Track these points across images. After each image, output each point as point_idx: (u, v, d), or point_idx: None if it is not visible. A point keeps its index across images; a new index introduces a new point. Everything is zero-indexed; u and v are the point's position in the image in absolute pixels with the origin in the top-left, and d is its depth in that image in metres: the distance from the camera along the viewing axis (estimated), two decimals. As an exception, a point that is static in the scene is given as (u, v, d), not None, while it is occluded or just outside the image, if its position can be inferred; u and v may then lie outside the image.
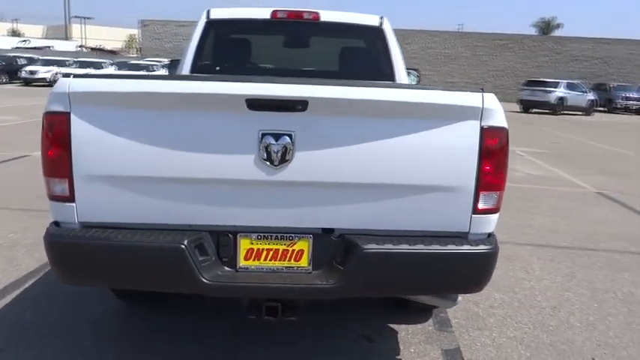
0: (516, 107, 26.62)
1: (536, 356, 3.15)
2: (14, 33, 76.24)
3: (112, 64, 30.39)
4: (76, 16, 79.03)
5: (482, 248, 2.37)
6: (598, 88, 32.00)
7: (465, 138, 2.31)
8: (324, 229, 2.38)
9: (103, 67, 28.91)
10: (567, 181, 8.86)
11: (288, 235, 2.38)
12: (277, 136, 2.23)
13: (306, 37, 4.65)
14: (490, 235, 2.46)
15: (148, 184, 2.29)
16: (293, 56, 5.01)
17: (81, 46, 62.35)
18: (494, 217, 2.45)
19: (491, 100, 2.31)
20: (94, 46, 62.37)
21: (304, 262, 2.39)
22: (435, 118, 2.29)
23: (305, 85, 2.24)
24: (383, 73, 4.34)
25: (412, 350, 3.12)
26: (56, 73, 28.16)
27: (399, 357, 3.06)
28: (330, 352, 3.07)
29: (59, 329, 3.20)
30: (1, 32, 71.29)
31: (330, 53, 4.68)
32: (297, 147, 2.23)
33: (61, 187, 2.30)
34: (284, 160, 2.24)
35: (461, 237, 2.39)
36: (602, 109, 30.35)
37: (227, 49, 4.59)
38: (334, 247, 2.37)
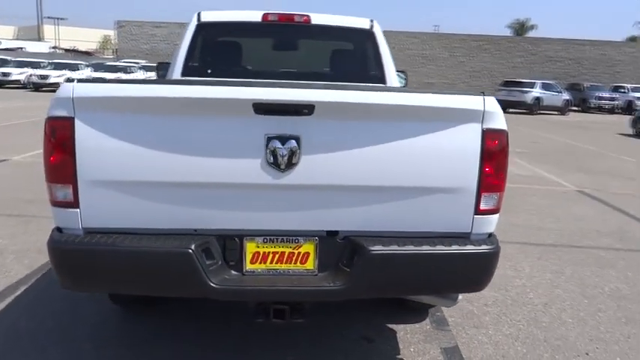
0: (494, 107, 26.79)
1: (532, 352, 3.21)
2: (-16, 34, 74.50)
3: (87, 66, 29.85)
4: (48, 17, 77.66)
5: (484, 248, 2.42)
6: (572, 88, 32.61)
7: (467, 140, 2.35)
8: (328, 232, 2.40)
9: (79, 69, 28.39)
10: (548, 180, 9.03)
11: (293, 238, 2.39)
12: (284, 140, 2.24)
13: (298, 40, 4.67)
14: (491, 235, 2.51)
15: (153, 189, 2.27)
16: (285, 59, 5.03)
17: (54, 48, 61.29)
18: (495, 217, 2.50)
19: (491, 104, 2.36)
20: (67, 48, 61.36)
21: (310, 264, 2.40)
22: (438, 121, 2.33)
23: (311, 90, 2.25)
24: (374, 75, 4.39)
25: (412, 350, 3.16)
26: (30, 75, 27.61)
27: (399, 356, 3.09)
28: (332, 354, 3.09)
29: (56, 336, 3.16)
30: (-30, 33, 69.60)
31: (322, 56, 4.71)
32: (303, 151, 2.25)
33: (64, 192, 2.28)
34: (290, 163, 2.25)
35: (463, 237, 2.43)
36: (576, 108, 30.93)
37: (219, 51, 4.57)
38: (340, 249, 2.40)
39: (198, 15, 4.35)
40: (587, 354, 3.23)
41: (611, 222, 6.40)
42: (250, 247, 2.38)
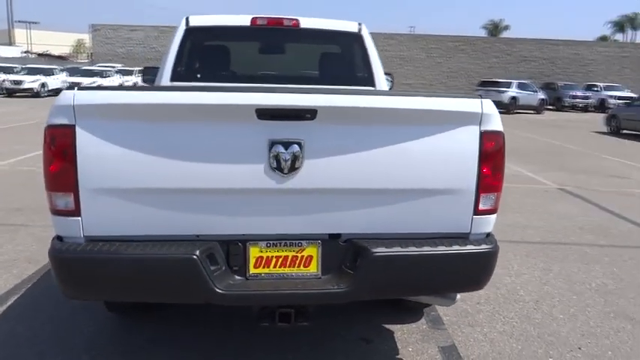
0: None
1: (527, 349, 3.28)
2: (-48, 39, 72.71)
3: (62, 71, 29.34)
4: (19, 21, 75.95)
5: (484, 248, 2.47)
6: (547, 87, 33.19)
7: (465, 142, 2.40)
8: (330, 235, 2.43)
9: (53, 74, 27.87)
10: (530, 178, 9.19)
11: (296, 241, 2.41)
12: (287, 145, 2.25)
13: (287, 43, 4.69)
14: (489, 234, 2.56)
15: (156, 196, 2.27)
16: (274, 63, 5.03)
17: (26, 52, 60.11)
18: (493, 217, 2.55)
19: (489, 106, 2.41)
20: (40, 52, 60.27)
21: (313, 267, 2.42)
22: (438, 124, 2.37)
23: (314, 95, 2.28)
24: (363, 78, 4.43)
25: (410, 349, 3.20)
26: (3, 81, 27.00)
27: (399, 356, 3.13)
28: (333, 355, 3.11)
29: (54, 345, 3.12)
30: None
31: (311, 59, 4.72)
32: (306, 155, 2.27)
33: (65, 201, 2.26)
34: (293, 168, 2.27)
35: (463, 237, 2.48)
36: (551, 107, 31.48)
37: (208, 56, 4.57)
38: (342, 252, 2.42)
39: (187, 19, 4.33)
40: (579, 348, 3.31)
41: (593, 219, 6.54)
42: (254, 252, 2.38)
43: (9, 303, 3.65)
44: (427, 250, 2.38)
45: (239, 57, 4.73)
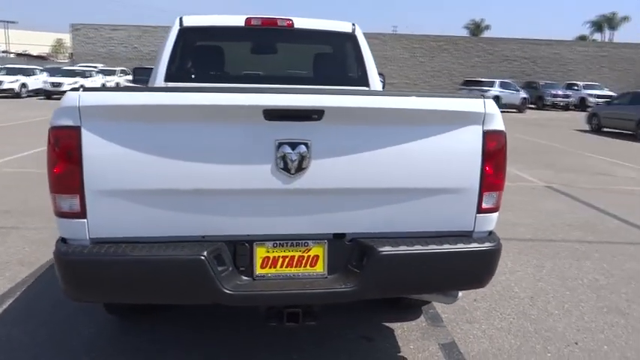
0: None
1: (526, 344, 3.33)
2: None
3: (42, 71, 28.88)
4: (-3, 20, 74.68)
5: (488, 245, 2.50)
6: (529, 86, 33.61)
7: (469, 142, 2.43)
8: (335, 235, 2.44)
9: (34, 74, 27.42)
10: (517, 176, 9.30)
11: (303, 241, 2.41)
12: (294, 145, 2.26)
13: (281, 44, 4.68)
14: (491, 232, 2.60)
15: (163, 197, 2.26)
16: (269, 63, 5.03)
17: (5, 52, 59.18)
18: (495, 215, 2.59)
19: (491, 106, 2.45)
20: (19, 52, 59.35)
21: (319, 267, 2.43)
22: (442, 124, 2.39)
23: (321, 95, 2.29)
24: (357, 78, 4.46)
25: (412, 347, 3.23)
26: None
27: (400, 354, 3.15)
28: (336, 354, 3.12)
29: (50, 349, 3.08)
30: None
31: (306, 59, 4.73)
32: (312, 155, 2.28)
33: (70, 203, 2.23)
34: (300, 168, 2.27)
35: (466, 236, 2.51)
36: (533, 106, 31.86)
37: (202, 56, 4.55)
38: (348, 251, 2.43)
39: (180, 20, 4.31)
40: (576, 343, 3.37)
41: (581, 216, 6.65)
42: (260, 252, 2.39)
43: (4, 307, 3.59)
44: (433, 248, 2.41)
45: (233, 57, 4.72)
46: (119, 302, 3.01)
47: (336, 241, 2.43)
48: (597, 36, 70.61)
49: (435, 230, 2.48)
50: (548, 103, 32.69)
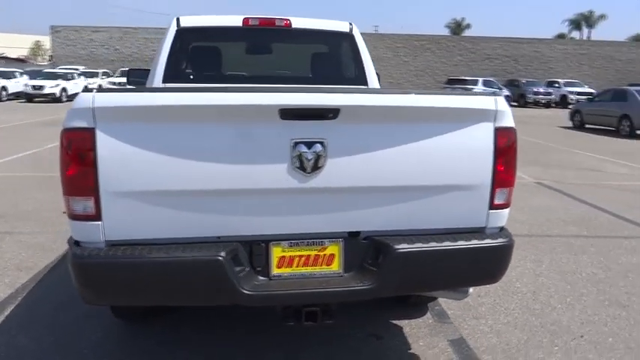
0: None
1: (533, 339, 3.36)
2: None
3: (23, 73, 28.40)
4: (-27, 23, 73.32)
5: (501, 241, 2.52)
6: (511, 84, 34.00)
7: (481, 139, 2.45)
8: (350, 233, 2.44)
9: (14, 77, 26.96)
10: (507, 173, 9.38)
11: (318, 240, 2.41)
12: (310, 144, 2.25)
13: (278, 43, 4.67)
14: (502, 228, 2.62)
15: (178, 198, 2.24)
16: (267, 63, 5.01)
17: (-18, 55, 58.05)
18: (507, 211, 2.61)
19: (502, 103, 2.47)
20: (-3, 55, 58.26)
21: (335, 266, 2.42)
22: (455, 122, 2.41)
23: (337, 94, 2.29)
24: (355, 77, 4.46)
25: (421, 343, 3.24)
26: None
27: (411, 351, 3.16)
28: (346, 352, 3.13)
29: (57, 353, 3.03)
30: None
31: (304, 59, 4.72)
32: (328, 154, 2.27)
33: (84, 205, 2.20)
34: (316, 167, 2.26)
35: (479, 232, 2.53)
36: (515, 103, 32.22)
37: (200, 57, 4.52)
38: (363, 249, 2.43)
39: (177, 20, 4.27)
40: (582, 336, 3.41)
41: (574, 211, 6.74)
42: (276, 252, 2.37)
43: (6, 313, 3.53)
44: (448, 245, 2.41)
45: (231, 57, 4.70)
46: (136, 305, 2.97)
47: (351, 240, 2.43)
48: (575, 34, 71.65)
49: (447, 227, 2.49)
50: (530, 101, 33.06)
